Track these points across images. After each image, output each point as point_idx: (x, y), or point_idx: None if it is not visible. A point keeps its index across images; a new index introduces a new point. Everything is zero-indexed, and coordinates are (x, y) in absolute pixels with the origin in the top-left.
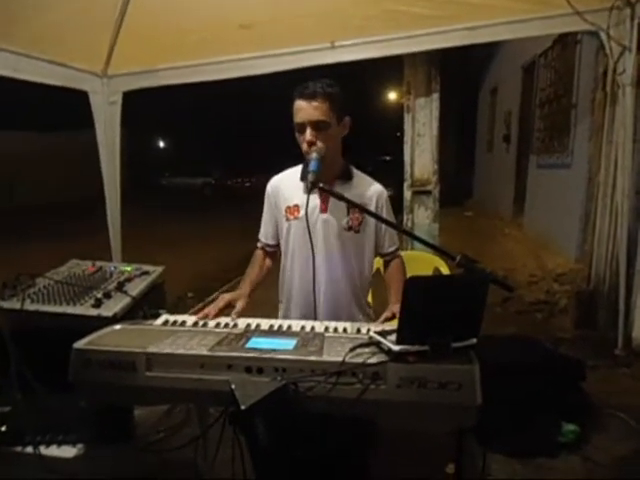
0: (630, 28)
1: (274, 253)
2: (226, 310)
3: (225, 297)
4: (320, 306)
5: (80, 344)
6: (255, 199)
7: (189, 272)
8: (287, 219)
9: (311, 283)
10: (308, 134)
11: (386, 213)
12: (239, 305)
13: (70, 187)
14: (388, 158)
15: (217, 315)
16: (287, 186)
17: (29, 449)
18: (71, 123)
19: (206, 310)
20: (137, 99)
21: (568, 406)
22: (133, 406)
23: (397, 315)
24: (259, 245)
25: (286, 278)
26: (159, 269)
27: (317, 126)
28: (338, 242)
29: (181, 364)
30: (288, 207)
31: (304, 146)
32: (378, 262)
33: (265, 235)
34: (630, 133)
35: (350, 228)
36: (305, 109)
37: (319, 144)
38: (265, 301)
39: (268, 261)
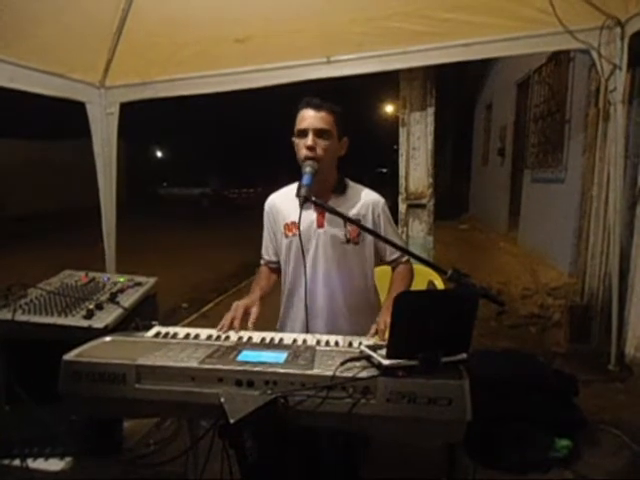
0: (620, 47)
1: (278, 269)
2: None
3: (240, 304)
4: (320, 322)
5: (70, 356)
6: (252, 210)
7: (184, 283)
8: (286, 236)
9: (311, 297)
10: (309, 139)
11: (384, 221)
12: (254, 313)
13: (71, 196)
14: (384, 170)
15: (241, 324)
16: (284, 203)
17: (16, 462)
18: (75, 132)
19: (225, 322)
20: (134, 110)
21: (561, 421)
22: (122, 418)
23: (384, 327)
24: (262, 262)
25: (286, 293)
26: (152, 280)
27: (319, 133)
28: (338, 255)
29: (171, 376)
30: (286, 224)
31: (303, 151)
32: (384, 270)
33: (267, 252)
34: (621, 149)
35: (349, 240)
36: (311, 117)
37: (318, 151)
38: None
39: (274, 276)
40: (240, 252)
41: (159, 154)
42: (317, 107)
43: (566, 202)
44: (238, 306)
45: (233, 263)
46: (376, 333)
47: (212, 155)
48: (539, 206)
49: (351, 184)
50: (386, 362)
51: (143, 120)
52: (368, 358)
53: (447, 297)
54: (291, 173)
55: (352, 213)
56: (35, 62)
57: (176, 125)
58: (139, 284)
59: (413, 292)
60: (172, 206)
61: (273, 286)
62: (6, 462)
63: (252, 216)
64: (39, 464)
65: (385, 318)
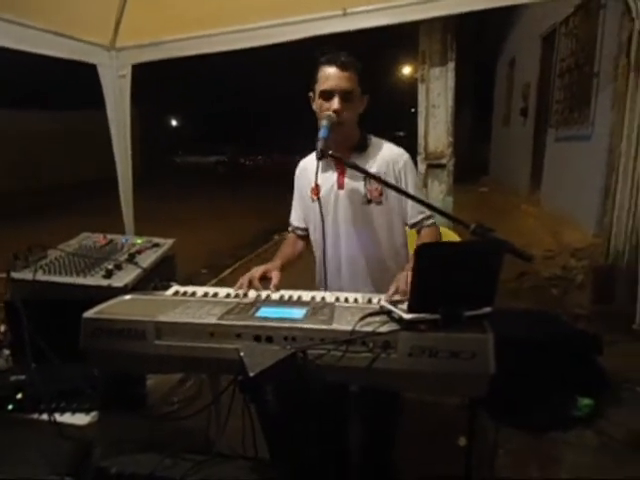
0: None
1: (306, 237)
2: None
3: (259, 269)
4: (345, 285)
5: (90, 313)
6: (269, 177)
7: (202, 249)
8: (312, 200)
9: (334, 264)
10: (336, 102)
11: (407, 178)
12: (275, 277)
13: (102, 165)
14: (402, 134)
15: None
16: (310, 168)
17: (44, 416)
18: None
19: (243, 281)
20: (147, 78)
21: (584, 380)
22: (145, 375)
23: (405, 286)
24: (290, 229)
25: (317, 258)
26: (170, 241)
27: (346, 96)
28: (360, 217)
29: (190, 333)
30: (312, 188)
31: (326, 113)
32: (412, 235)
33: (295, 219)
34: None
35: (370, 201)
36: (337, 77)
37: (345, 114)
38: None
39: (300, 243)
40: (256, 219)
41: (174, 123)
42: (343, 66)
43: (592, 160)
44: (257, 269)
45: (249, 230)
46: (396, 292)
47: (228, 122)
48: (563, 166)
49: (373, 140)
50: (407, 316)
51: (157, 89)
52: (389, 313)
53: (471, 249)
54: (309, 138)
55: (372, 171)
56: (43, 23)
57: (189, 93)
58: (157, 245)
59: (436, 243)
60: (188, 174)
61: (299, 254)
62: (35, 416)
63: (268, 183)
64: (66, 418)
65: (402, 278)
